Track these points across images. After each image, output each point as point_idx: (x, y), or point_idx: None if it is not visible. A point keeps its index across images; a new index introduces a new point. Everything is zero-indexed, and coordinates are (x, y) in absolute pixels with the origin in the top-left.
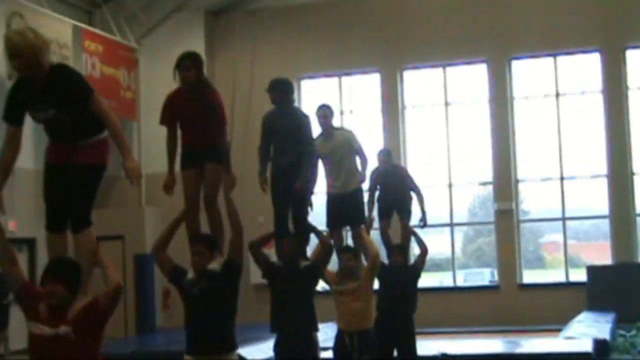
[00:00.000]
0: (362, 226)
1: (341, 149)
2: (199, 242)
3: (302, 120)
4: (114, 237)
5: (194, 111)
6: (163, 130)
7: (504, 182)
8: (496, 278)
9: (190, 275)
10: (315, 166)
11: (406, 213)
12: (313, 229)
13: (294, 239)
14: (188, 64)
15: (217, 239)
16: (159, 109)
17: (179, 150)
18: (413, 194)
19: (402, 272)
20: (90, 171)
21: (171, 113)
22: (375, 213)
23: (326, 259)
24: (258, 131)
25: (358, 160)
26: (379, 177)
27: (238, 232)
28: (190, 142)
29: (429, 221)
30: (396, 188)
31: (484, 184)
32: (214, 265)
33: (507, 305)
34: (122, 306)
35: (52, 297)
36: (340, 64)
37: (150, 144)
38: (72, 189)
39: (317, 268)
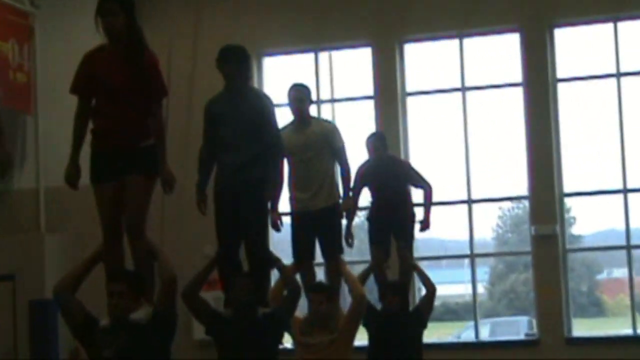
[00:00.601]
0: (341, 258)
1: (315, 145)
2: (119, 280)
3: (262, 103)
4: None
5: (120, 76)
6: (69, 128)
7: (545, 196)
8: (535, 330)
9: (104, 323)
10: (282, 167)
11: (406, 237)
12: (274, 262)
13: (247, 277)
14: (114, 6)
15: (143, 279)
16: (64, 96)
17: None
18: (416, 207)
19: (399, 320)
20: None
21: (88, 76)
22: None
23: (293, 303)
24: (201, 125)
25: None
26: (367, 175)
27: (166, 278)
28: (107, 138)
29: (438, 249)
30: (392, 193)
31: (517, 198)
32: (140, 314)
33: None
34: None
35: None
36: (318, 36)
37: (52, 146)
38: None
39: (281, 317)
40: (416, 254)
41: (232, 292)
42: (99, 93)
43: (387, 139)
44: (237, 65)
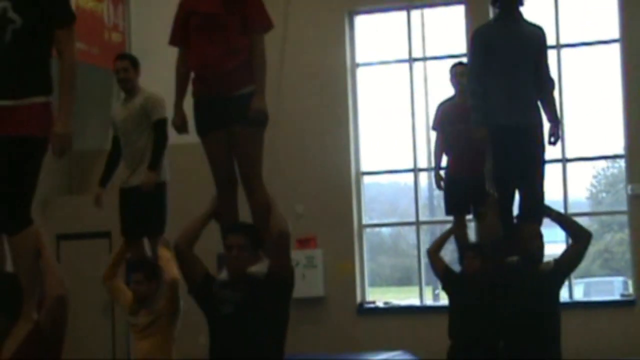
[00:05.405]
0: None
1: None
2: (239, 232)
3: (542, 32)
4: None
5: (210, 2)
6: (166, 86)
7: None
8: (631, 290)
9: (223, 277)
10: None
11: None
12: (547, 211)
13: (537, 226)
14: None
15: (259, 232)
16: (158, 56)
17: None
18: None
19: (479, 283)
20: (30, 147)
21: (183, 19)
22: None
23: None
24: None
25: None
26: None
27: (277, 232)
28: (204, 81)
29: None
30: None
31: (613, 157)
32: (258, 268)
33: None
34: None
35: None
36: None
37: None
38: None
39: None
40: None
41: (525, 240)
42: (192, 30)
43: None
44: None
